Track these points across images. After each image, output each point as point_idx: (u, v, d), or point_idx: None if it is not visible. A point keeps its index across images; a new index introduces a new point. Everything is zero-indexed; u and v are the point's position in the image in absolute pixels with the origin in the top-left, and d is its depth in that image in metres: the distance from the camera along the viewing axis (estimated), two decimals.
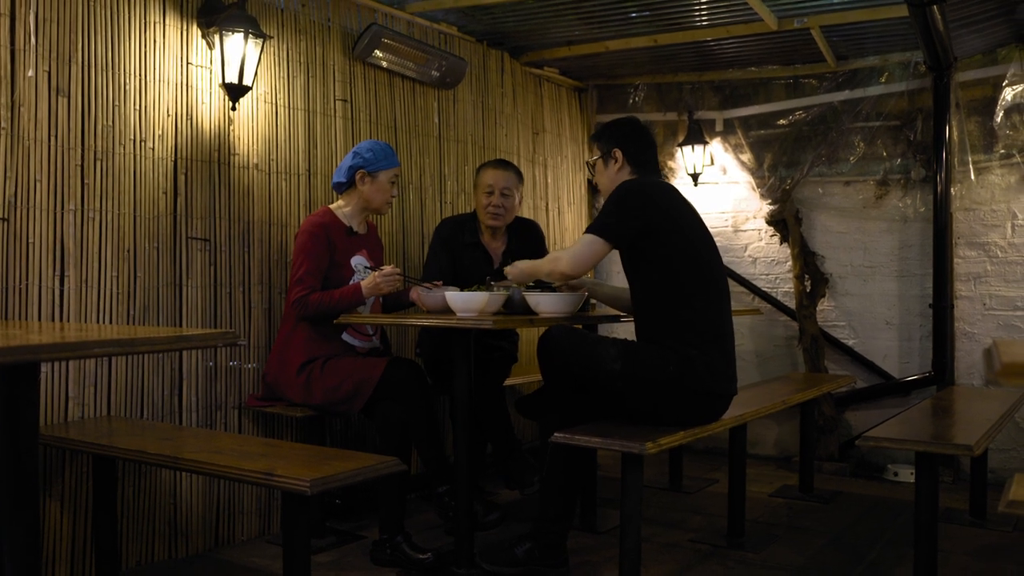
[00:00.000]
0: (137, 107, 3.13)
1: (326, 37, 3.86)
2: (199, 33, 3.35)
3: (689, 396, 2.80)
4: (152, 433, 2.79)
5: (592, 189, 5.64)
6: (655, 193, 2.90)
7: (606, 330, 5.25)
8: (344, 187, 3.45)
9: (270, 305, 3.56)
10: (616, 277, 5.39)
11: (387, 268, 3.25)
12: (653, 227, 2.82)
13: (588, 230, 2.91)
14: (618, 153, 3.03)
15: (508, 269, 3.18)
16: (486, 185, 3.78)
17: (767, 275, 5.21)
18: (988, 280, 4.58)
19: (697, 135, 5.16)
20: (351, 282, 3.37)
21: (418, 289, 3.30)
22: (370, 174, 3.38)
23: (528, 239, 3.93)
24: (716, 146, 5.30)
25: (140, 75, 3.15)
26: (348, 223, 3.43)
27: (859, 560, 3.27)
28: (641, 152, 3.05)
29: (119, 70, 3.08)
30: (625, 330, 5.13)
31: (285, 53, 3.67)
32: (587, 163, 3.16)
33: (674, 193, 2.99)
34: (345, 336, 3.38)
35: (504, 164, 3.85)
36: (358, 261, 3.43)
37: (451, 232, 3.85)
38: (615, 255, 2.97)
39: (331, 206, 3.47)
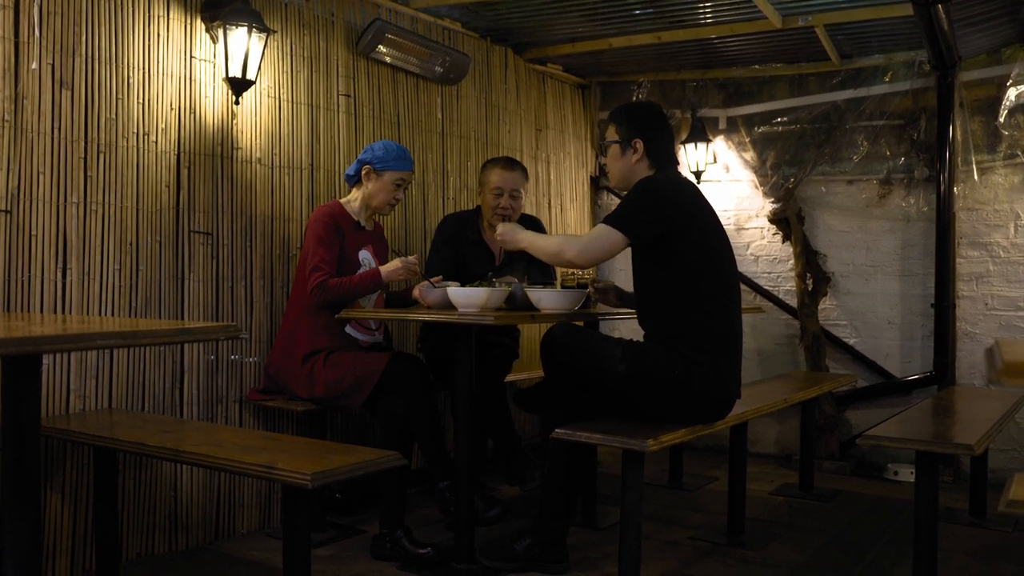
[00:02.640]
0: (140, 100, 3.13)
1: (330, 32, 3.86)
2: (203, 27, 3.35)
3: (694, 399, 2.78)
4: (153, 426, 2.80)
5: (595, 185, 5.64)
6: (678, 193, 2.83)
7: (608, 327, 5.25)
8: (353, 180, 3.47)
9: (272, 299, 3.56)
10: (618, 275, 5.38)
11: (412, 257, 3.28)
12: (675, 228, 2.76)
13: (606, 220, 2.79)
14: (639, 144, 2.92)
15: (502, 226, 3.06)
16: (494, 186, 3.76)
17: (769, 273, 5.21)
18: (990, 280, 4.58)
19: (700, 133, 5.16)
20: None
21: (420, 286, 3.30)
22: (376, 171, 3.39)
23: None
24: (719, 144, 5.30)
25: (144, 68, 3.15)
26: (356, 217, 3.45)
27: (859, 559, 3.27)
28: (663, 145, 2.95)
29: (123, 63, 3.08)
30: (627, 327, 5.15)
31: (289, 48, 3.67)
32: (600, 143, 3.10)
33: (695, 192, 2.92)
34: (348, 329, 3.38)
35: (512, 164, 3.83)
36: (365, 256, 3.44)
37: (453, 229, 3.85)
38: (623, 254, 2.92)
39: (341, 200, 3.48)
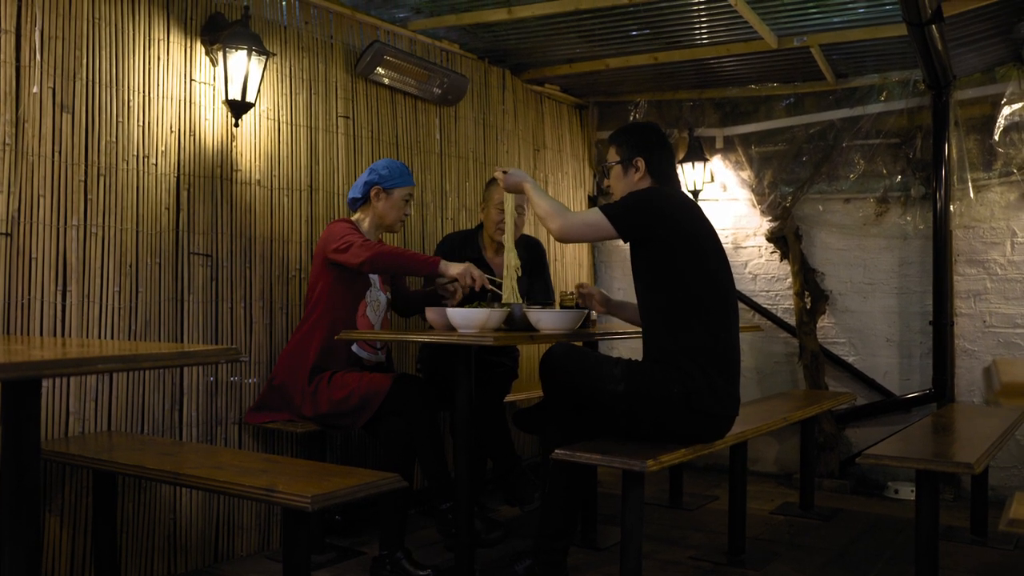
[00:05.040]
0: (140, 123, 3.15)
1: (329, 54, 3.88)
2: (203, 50, 3.37)
3: (693, 417, 2.78)
4: (152, 448, 2.79)
5: (593, 205, 5.65)
6: (675, 205, 2.85)
7: (607, 347, 5.26)
8: (359, 203, 3.49)
9: (271, 320, 3.56)
10: (617, 294, 5.39)
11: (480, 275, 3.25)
12: (667, 238, 2.79)
13: (600, 207, 2.86)
14: (640, 163, 2.96)
15: (513, 170, 3.15)
16: (498, 201, 3.77)
17: (767, 292, 5.22)
18: (988, 297, 4.59)
19: (697, 152, 5.18)
20: (368, 295, 3.43)
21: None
22: (385, 190, 3.42)
23: (531, 256, 3.95)
24: (716, 163, 5.32)
25: (144, 91, 3.17)
26: (366, 236, 3.46)
27: None
28: (664, 164, 2.99)
29: (123, 86, 3.10)
30: (626, 347, 5.15)
31: (288, 70, 3.70)
32: (603, 165, 3.14)
33: (694, 207, 2.95)
34: (355, 348, 3.39)
35: None
36: (374, 275, 3.46)
37: (453, 247, 3.87)
38: (621, 268, 2.95)
39: (351, 219, 3.49)
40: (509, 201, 3.37)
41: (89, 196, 2.99)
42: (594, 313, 3.53)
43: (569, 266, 5.38)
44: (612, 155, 3.04)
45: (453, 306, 3.26)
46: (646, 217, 2.81)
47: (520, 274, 3.32)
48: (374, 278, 3.46)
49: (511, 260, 3.35)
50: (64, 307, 2.91)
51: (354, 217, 3.51)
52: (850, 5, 3.95)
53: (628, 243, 2.90)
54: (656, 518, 4.08)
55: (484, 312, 2.91)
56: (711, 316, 2.81)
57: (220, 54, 3.31)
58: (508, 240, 3.33)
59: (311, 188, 3.78)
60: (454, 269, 3.23)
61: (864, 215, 4.92)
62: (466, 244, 3.88)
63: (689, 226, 2.84)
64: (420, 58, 4.22)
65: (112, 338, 3.03)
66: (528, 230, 4.47)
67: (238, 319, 3.45)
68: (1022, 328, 4.49)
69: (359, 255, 3.20)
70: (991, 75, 4.57)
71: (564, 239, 2.97)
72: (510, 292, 3.33)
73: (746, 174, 5.24)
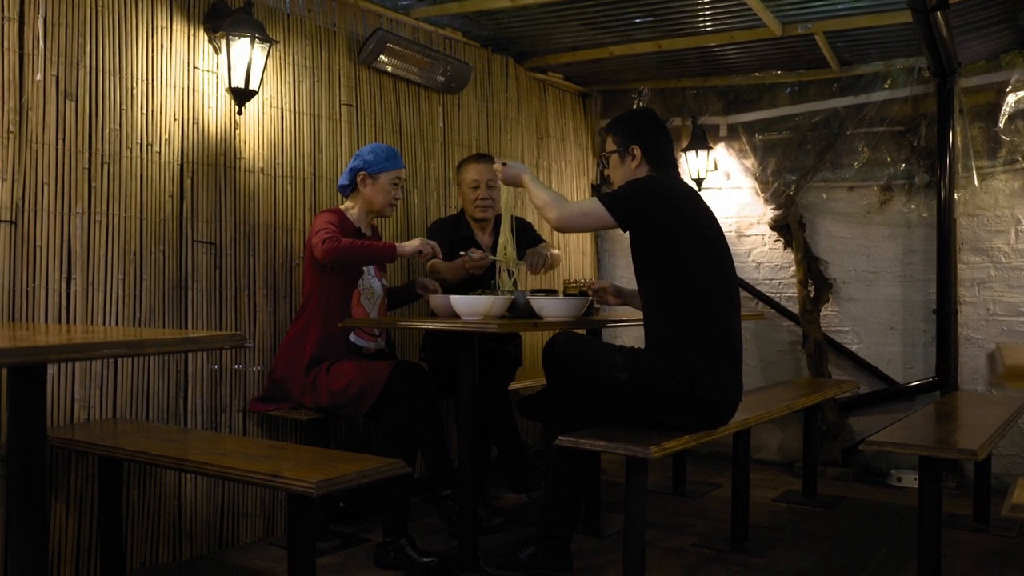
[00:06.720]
0: (144, 111, 3.15)
1: (332, 42, 3.88)
2: (206, 38, 3.37)
3: (695, 404, 2.78)
4: (157, 435, 2.80)
5: (596, 193, 5.64)
6: (673, 193, 2.85)
7: (610, 335, 5.26)
8: (348, 190, 3.49)
9: (275, 308, 3.57)
10: (620, 282, 5.39)
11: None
12: (667, 226, 2.78)
13: (598, 196, 2.87)
14: (636, 150, 2.95)
15: (511, 163, 3.15)
16: (471, 180, 3.86)
17: (771, 280, 5.21)
18: (992, 286, 4.58)
19: (701, 140, 5.17)
20: (361, 284, 3.44)
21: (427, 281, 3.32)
22: (371, 176, 3.41)
23: (520, 235, 3.95)
24: (720, 151, 5.31)
25: (147, 79, 3.16)
26: (357, 224, 3.46)
27: (862, 565, 3.26)
28: (660, 149, 2.97)
29: (126, 74, 3.10)
30: (629, 335, 5.15)
31: (291, 58, 3.69)
32: (601, 155, 3.14)
33: (693, 195, 2.94)
34: (352, 337, 3.40)
35: (484, 157, 3.93)
36: None
37: (447, 227, 3.91)
38: (625, 256, 2.95)
39: (340, 207, 3.49)
40: (506, 193, 3.36)
41: (93, 184, 3.00)
42: None
43: (573, 255, 5.38)
44: (609, 144, 3.04)
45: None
46: (644, 205, 2.81)
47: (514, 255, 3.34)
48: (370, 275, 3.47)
49: (509, 250, 3.35)
50: (68, 295, 2.92)
51: (344, 205, 3.51)
52: None
53: (627, 232, 2.90)
54: (659, 506, 4.09)
55: (488, 299, 2.91)
56: (712, 303, 2.81)
57: (223, 42, 3.30)
58: (504, 231, 3.33)
59: (314, 176, 3.78)
60: (409, 247, 3.27)
61: (868, 203, 4.91)
62: (457, 224, 3.93)
63: (689, 213, 2.83)
64: (423, 46, 4.21)
65: (116, 325, 3.04)
66: (530, 221, 4.47)
67: (242, 307, 3.46)
68: None
69: (323, 254, 3.19)
70: (996, 62, 4.55)
71: (562, 229, 2.98)
72: (506, 279, 3.34)
73: (750, 162, 5.23)
